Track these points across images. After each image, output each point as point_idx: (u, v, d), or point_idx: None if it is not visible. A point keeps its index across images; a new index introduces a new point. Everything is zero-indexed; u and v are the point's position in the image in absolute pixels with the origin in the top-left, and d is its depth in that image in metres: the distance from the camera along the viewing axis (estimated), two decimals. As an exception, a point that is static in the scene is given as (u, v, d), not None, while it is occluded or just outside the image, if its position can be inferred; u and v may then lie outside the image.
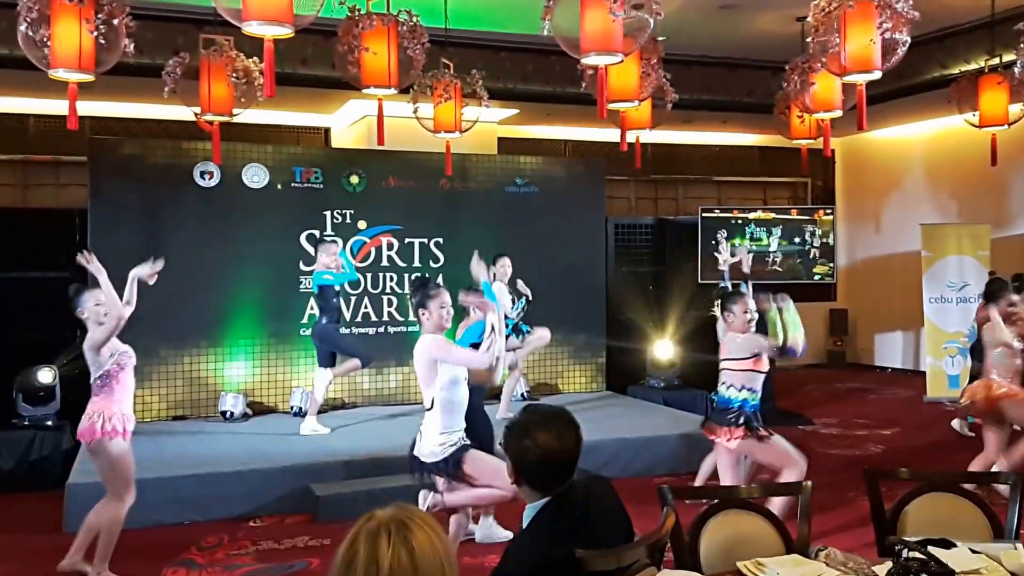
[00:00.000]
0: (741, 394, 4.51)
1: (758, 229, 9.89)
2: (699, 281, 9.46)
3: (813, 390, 10.58)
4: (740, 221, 9.85)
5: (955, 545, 2.55)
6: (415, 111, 5.91)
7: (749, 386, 4.51)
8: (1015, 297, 5.59)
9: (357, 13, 4.98)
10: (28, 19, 4.05)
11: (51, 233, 7.81)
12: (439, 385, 4.00)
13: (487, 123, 7.99)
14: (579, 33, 3.96)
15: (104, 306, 4.33)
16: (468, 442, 4.10)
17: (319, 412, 7.17)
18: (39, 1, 4.04)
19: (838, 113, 5.56)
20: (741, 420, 4.49)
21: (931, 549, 2.38)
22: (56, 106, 8.62)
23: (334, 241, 7.52)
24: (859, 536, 4.51)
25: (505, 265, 7.51)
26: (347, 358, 7.10)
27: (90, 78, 4.19)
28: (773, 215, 10.03)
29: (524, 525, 2.35)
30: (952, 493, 3.07)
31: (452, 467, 4.00)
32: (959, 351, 9.58)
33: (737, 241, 9.68)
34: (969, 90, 6.04)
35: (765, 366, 4.58)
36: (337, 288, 7.08)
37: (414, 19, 5.10)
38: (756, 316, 4.61)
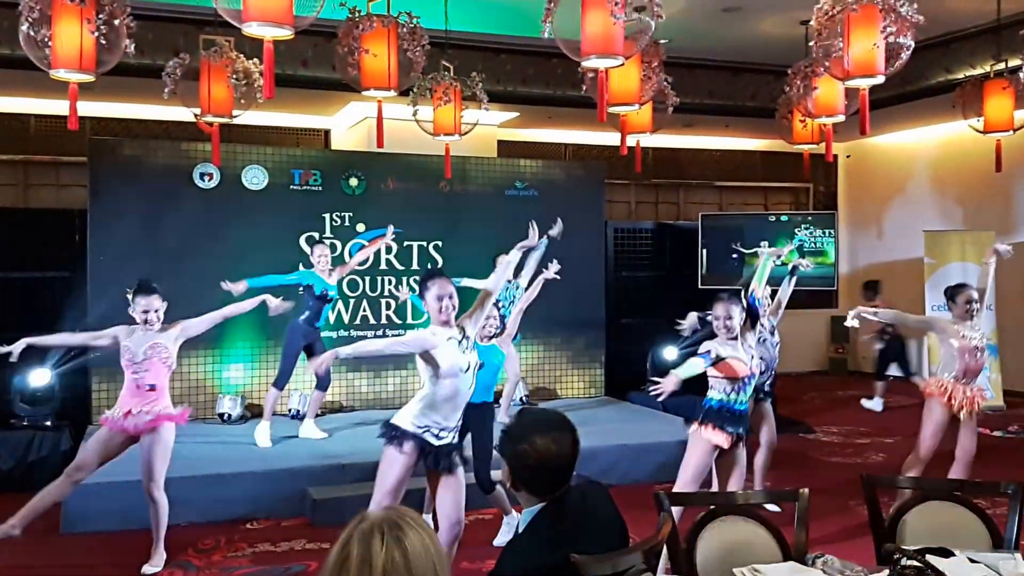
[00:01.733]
0: (718, 395, 4.56)
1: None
2: (700, 286, 9.42)
3: (814, 398, 10.54)
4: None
5: (953, 554, 2.53)
6: (415, 113, 5.89)
7: (723, 388, 4.53)
8: None
9: (357, 15, 4.97)
10: (29, 19, 4.04)
11: (51, 233, 7.84)
12: (428, 373, 3.89)
13: (487, 126, 7.99)
14: (580, 36, 3.95)
15: (149, 310, 4.71)
16: (429, 441, 3.96)
17: (318, 415, 7.15)
18: (40, 1, 4.04)
19: (841, 118, 5.53)
20: (708, 418, 4.52)
21: (929, 558, 2.36)
22: (57, 106, 8.63)
23: (320, 242, 7.27)
24: (858, 544, 4.48)
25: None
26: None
27: (91, 78, 4.18)
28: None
29: (520, 529, 2.34)
30: (952, 502, 3.05)
31: (397, 440, 3.92)
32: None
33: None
34: (974, 95, 6.00)
35: (740, 372, 4.53)
36: (317, 293, 6.81)
37: (414, 21, 5.09)
38: (734, 326, 4.57)
